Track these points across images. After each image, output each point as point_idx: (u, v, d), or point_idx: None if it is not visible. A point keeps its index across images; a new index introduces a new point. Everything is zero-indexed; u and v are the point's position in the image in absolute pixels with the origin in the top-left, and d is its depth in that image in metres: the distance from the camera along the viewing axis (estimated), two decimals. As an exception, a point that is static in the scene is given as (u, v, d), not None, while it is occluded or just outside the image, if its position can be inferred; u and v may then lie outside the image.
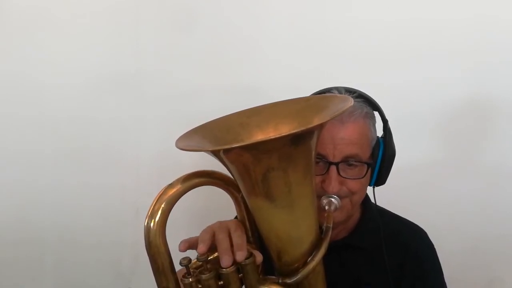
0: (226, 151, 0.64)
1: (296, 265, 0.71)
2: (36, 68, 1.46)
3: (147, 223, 0.67)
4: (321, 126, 0.65)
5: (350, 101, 0.63)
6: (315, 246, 0.71)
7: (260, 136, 0.77)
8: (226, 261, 0.65)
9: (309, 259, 0.70)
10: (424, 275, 0.94)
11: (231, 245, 0.67)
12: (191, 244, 0.70)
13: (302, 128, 0.58)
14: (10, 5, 1.43)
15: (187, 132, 0.72)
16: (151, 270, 0.70)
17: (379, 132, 0.92)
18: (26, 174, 1.50)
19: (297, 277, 0.70)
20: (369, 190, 0.93)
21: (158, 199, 0.67)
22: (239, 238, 0.68)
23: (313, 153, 0.66)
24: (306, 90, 0.92)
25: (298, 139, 0.61)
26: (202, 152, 0.66)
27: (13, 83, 1.47)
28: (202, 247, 0.66)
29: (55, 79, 1.46)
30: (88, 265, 1.55)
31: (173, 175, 1.46)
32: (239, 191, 0.73)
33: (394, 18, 1.35)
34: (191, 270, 0.69)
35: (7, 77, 1.46)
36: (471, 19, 1.32)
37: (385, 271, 0.91)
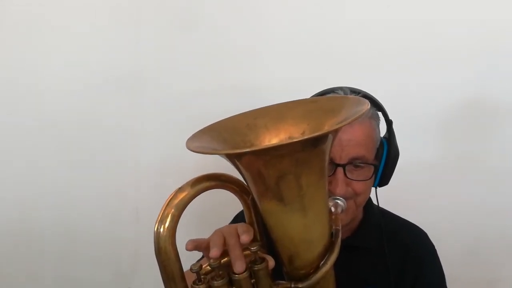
0: (241, 154, 0.62)
1: (307, 269, 0.69)
2: (36, 70, 1.43)
3: (157, 228, 0.64)
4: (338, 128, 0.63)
5: (367, 104, 0.62)
6: (327, 249, 0.70)
7: (268, 137, 0.75)
8: (239, 267, 0.64)
9: (322, 262, 0.69)
10: (423, 275, 0.94)
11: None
12: (198, 245, 0.68)
13: (326, 131, 0.56)
14: (10, 7, 1.41)
15: (196, 133, 0.69)
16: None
17: (382, 133, 0.92)
18: (27, 174, 1.48)
19: (310, 281, 0.68)
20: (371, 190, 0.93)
21: (168, 203, 0.64)
22: (247, 238, 0.66)
23: (328, 155, 0.65)
24: (307, 91, 0.91)
25: (318, 142, 0.60)
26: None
27: (13, 85, 1.44)
28: (216, 251, 0.63)
29: (55, 81, 1.44)
30: (88, 266, 1.53)
31: (173, 175, 1.44)
32: (248, 194, 0.71)
33: (398, 19, 1.36)
34: (202, 277, 0.66)
35: (7, 79, 1.44)
36: (474, 22, 1.34)
37: (387, 271, 0.91)
